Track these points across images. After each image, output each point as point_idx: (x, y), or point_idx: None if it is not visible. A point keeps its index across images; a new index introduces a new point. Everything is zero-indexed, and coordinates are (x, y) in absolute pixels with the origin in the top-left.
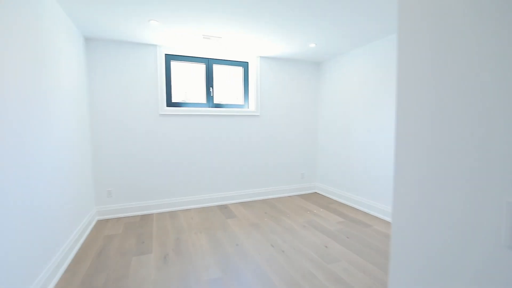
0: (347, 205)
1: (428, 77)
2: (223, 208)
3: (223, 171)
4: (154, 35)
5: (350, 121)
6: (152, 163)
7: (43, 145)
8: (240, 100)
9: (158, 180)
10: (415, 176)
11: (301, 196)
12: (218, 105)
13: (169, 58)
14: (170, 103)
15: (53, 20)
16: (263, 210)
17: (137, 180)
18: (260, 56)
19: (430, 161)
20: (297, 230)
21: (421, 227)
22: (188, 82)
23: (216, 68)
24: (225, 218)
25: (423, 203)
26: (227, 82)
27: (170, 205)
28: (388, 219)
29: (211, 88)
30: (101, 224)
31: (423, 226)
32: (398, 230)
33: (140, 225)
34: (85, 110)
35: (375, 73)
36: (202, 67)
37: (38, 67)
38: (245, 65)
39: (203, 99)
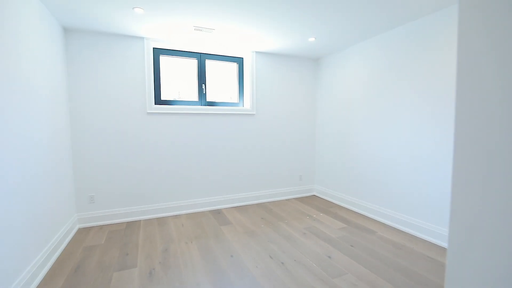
0: (348, 209)
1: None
2: (217, 213)
3: (216, 173)
4: (140, 26)
5: (351, 120)
6: (139, 165)
7: (4, 144)
8: (234, 98)
9: (146, 183)
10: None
11: (299, 199)
12: (211, 103)
13: (157, 52)
14: (159, 101)
15: (25, 7)
16: (260, 215)
17: (123, 184)
18: (256, 51)
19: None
20: (297, 238)
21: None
22: (179, 79)
23: (209, 63)
24: (218, 225)
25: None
26: (221, 79)
27: (158, 211)
28: (394, 225)
29: (203, 85)
30: (82, 233)
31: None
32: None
33: (125, 234)
34: (63, 106)
35: (379, 68)
36: (193, 63)
37: (2, 60)
38: (239, 61)
39: (195, 96)
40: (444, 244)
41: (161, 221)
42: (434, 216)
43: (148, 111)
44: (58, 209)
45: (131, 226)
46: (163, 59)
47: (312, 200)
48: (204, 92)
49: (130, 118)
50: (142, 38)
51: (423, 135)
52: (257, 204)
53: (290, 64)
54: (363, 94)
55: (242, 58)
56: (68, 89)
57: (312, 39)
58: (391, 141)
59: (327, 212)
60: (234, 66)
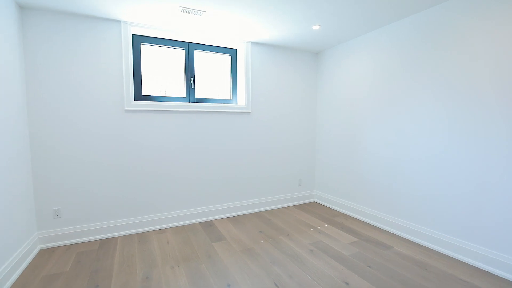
0: (354, 218)
1: None
2: (208, 226)
3: (207, 179)
4: (116, 6)
5: (357, 119)
6: (115, 171)
7: None
8: (227, 94)
9: (124, 193)
10: None
11: (298, 207)
12: (200, 100)
13: (138, 40)
14: (139, 97)
15: None
16: (257, 227)
17: (95, 194)
18: (251, 42)
19: None
20: (304, 258)
21: None
22: (164, 71)
23: (198, 55)
24: (210, 242)
25: None
26: (212, 72)
27: (139, 225)
28: (410, 237)
29: (191, 79)
30: (43, 256)
31: None
32: None
33: (97, 256)
34: (18, 100)
35: (389, 63)
36: (180, 54)
37: None
38: (233, 52)
39: (181, 92)
40: (472, 262)
41: (143, 237)
42: (456, 229)
43: (126, 108)
44: (12, 227)
45: (106, 245)
46: (144, 48)
47: (313, 208)
48: (192, 87)
49: (104, 116)
50: (118, 22)
51: (443, 138)
52: (253, 214)
53: (289, 57)
54: (370, 91)
55: (236, 49)
56: (25, 80)
57: (316, 27)
58: (405, 144)
59: (332, 222)
60: (227, 58)
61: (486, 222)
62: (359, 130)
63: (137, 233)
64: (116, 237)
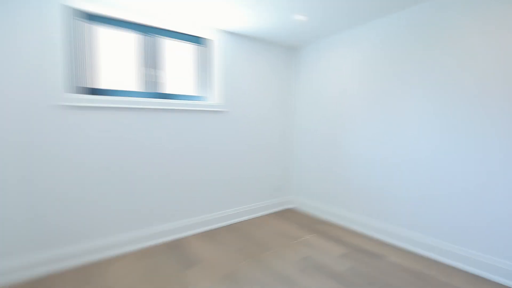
0: (338, 225)
1: None
2: (176, 246)
3: (173, 190)
4: None
5: (341, 119)
6: (53, 186)
7: None
8: (195, 89)
9: (66, 212)
10: None
11: (277, 214)
12: (163, 96)
13: (79, 16)
14: (81, 90)
15: None
16: (235, 243)
17: (27, 216)
18: (226, 31)
19: None
20: (296, 280)
21: None
22: (115, 59)
23: (162, 43)
24: (182, 269)
25: None
26: (179, 64)
27: (89, 252)
28: (399, 243)
29: (154, 70)
30: None
31: None
32: None
33: None
34: None
35: (374, 61)
36: (140, 40)
37: None
38: (204, 42)
39: (139, 86)
40: (470, 269)
41: (93, 269)
42: (449, 234)
43: (61, 104)
44: None
45: (46, 283)
46: (89, 28)
47: (292, 215)
48: (154, 81)
49: (27, 115)
50: None
51: (435, 139)
52: (229, 227)
53: (266, 51)
54: (355, 88)
55: (208, 39)
56: None
57: (300, 17)
58: (393, 144)
59: (316, 231)
60: (196, 49)
61: (482, 226)
62: (342, 132)
63: (82, 265)
64: (52, 276)
